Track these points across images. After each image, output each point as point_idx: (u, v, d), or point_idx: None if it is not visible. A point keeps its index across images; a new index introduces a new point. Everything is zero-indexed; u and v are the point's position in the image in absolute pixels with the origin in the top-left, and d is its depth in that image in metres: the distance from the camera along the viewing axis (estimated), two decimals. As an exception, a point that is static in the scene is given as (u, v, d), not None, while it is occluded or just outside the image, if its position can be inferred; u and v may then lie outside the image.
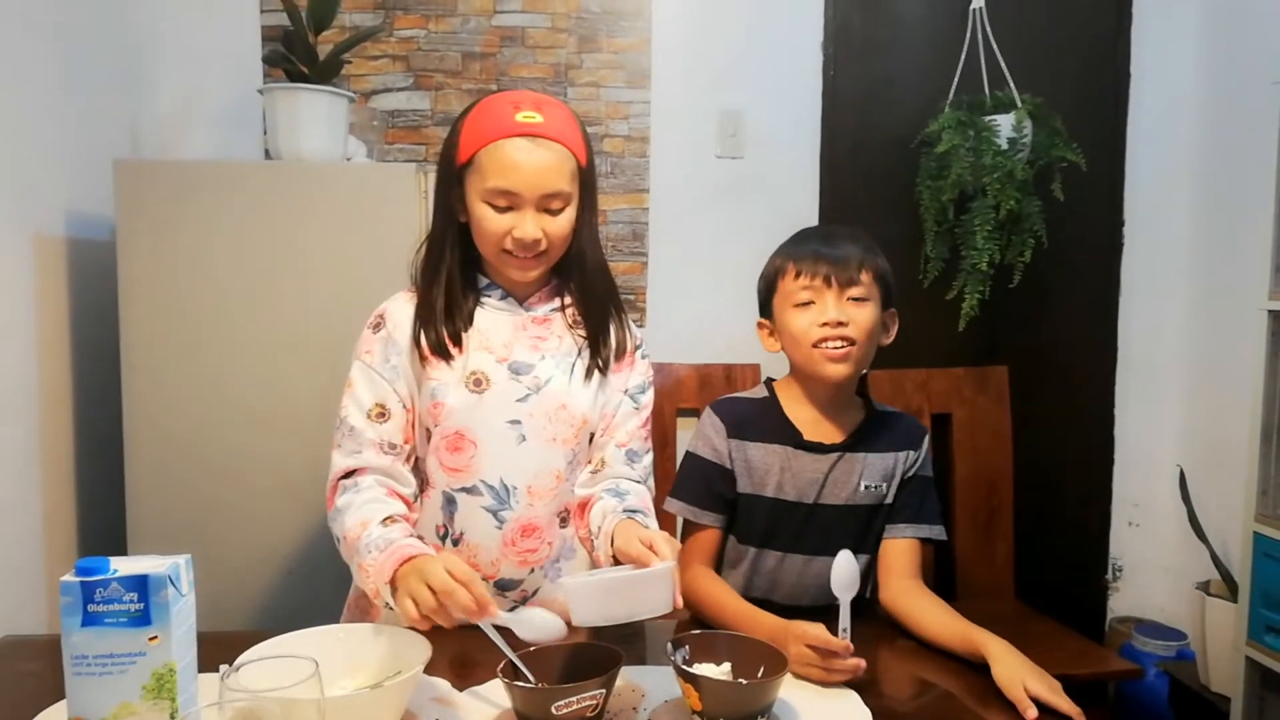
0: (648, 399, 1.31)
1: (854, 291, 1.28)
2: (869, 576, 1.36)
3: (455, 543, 1.21)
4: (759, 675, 0.97)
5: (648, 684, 1.04)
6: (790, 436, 1.34)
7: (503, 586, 1.23)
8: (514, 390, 1.20)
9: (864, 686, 1.05)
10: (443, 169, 1.21)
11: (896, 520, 1.35)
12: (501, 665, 0.94)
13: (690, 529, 1.37)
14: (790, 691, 1.01)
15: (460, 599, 0.94)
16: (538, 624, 1.00)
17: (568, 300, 1.26)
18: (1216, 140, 2.45)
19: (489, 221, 1.15)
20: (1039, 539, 2.46)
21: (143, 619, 0.80)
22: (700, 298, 2.43)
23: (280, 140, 1.81)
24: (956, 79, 2.39)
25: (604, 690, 0.91)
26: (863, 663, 1.04)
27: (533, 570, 1.23)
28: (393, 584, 1.02)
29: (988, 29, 2.35)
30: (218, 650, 0.89)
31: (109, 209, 1.77)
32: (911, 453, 1.36)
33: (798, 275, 1.30)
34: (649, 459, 1.30)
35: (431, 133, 2.36)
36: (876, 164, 2.48)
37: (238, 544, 1.74)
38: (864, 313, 1.29)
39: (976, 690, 1.07)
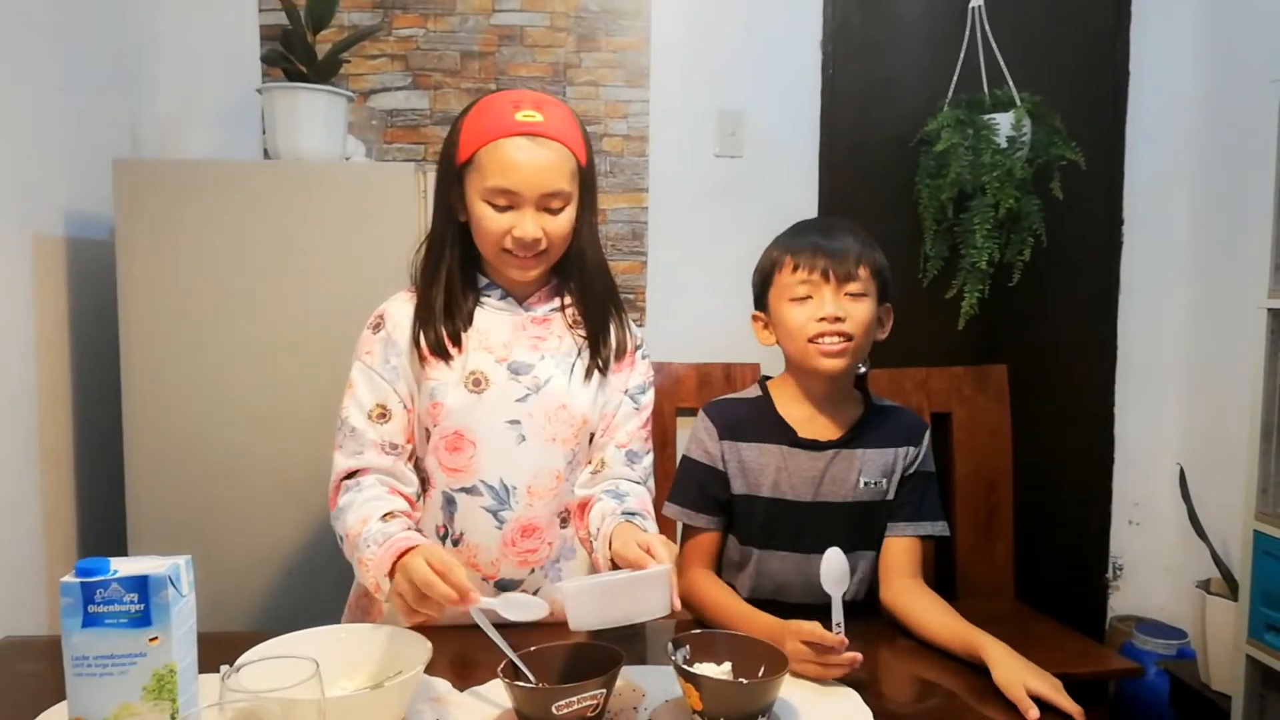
0: (648, 399, 1.31)
1: (851, 287, 1.27)
2: (872, 574, 1.36)
3: (455, 543, 1.21)
4: (759, 675, 0.97)
5: (648, 684, 1.04)
6: (785, 435, 1.33)
7: (503, 587, 1.23)
8: (513, 390, 1.20)
9: (865, 686, 1.05)
10: (442, 168, 1.21)
11: (896, 518, 1.34)
12: (502, 665, 0.94)
13: (688, 532, 1.37)
14: (791, 691, 1.01)
15: (439, 590, 0.94)
16: (522, 604, 1.02)
17: (567, 300, 1.26)
18: (1216, 138, 2.45)
19: (489, 221, 1.15)
20: (1039, 538, 2.45)
21: (143, 620, 0.80)
22: (699, 297, 2.43)
23: (279, 140, 1.81)
24: (955, 78, 2.38)
25: (604, 690, 0.91)
26: (859, 656, 1.04)
27: (533, 570, 1.23)
28: (392, 576, 1.02)
29: (986, 27, 2.35)
30: (218, 651, 0.89)
31: (108, 208, 1.77)
32: (912, 449, 1.35)
33: (795, 269, 1.29)
34: (649, 460, 1.30)
35: (430, 132, 2.36)
36: (876, 163, 2.48)
37: (238, 544, 1.74)
38: (861, 308, 1.28)
39: (977, 690, 1.07)
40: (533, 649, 0.98)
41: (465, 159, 1.15)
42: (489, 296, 1.23)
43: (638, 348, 1.31)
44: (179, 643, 0.82)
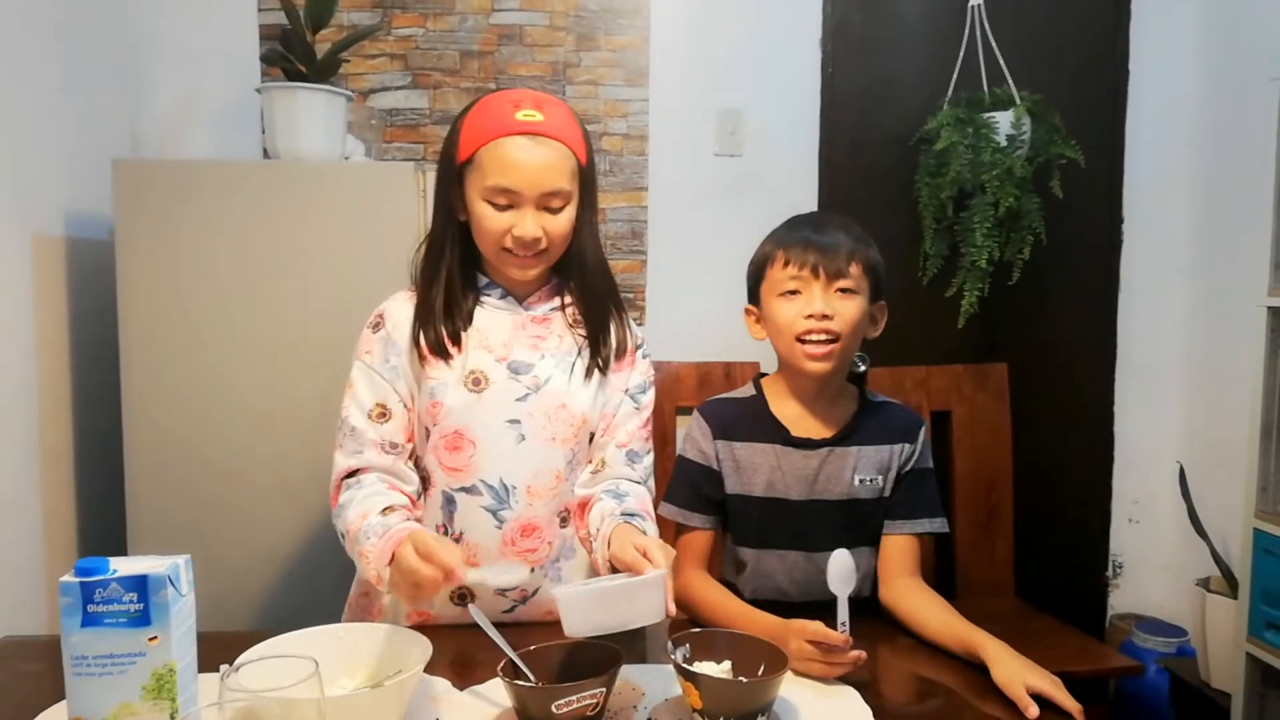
0: (648, 399, 1.31)
1: (842, 283, 1.26)
2: (872, 572, 1.35)
3: (455, 542, 1.21)
4: (759, 673, 0.96)
5: (648, 682, 1.04)
6: (778, 434, 1.33)
7: (502, 587, 1.23)
8: (513, 390, 1.20)
9: (864, 684, 1.05)
10: (442, 167, 1.21)
11: (893, 517, 1.33)
12: (501, 664, 0.94)
13: (682, 532, 1.36)
14: (791, 690, 1.00)
15: (423, 574, 0.95)
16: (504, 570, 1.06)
17: (568, 299, 1.26)
18: (1216, 137, 2.45)
19: (489, 220, 1.15)
20: (1039, 536, 2.45)
21: (142, 619, 0.80)
22: (699, 296, 2.43)
23: (278, 139, 1.81)
24: (955, 76, 2.38)
25: (604, 689, 0.91)
26: (863, 654, 1.04)
27: (532, 570, 1.23)
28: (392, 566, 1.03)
29: (986, 26, 2.35)
30: (218, 650, 0.89)
31: (108, 208, 1.77)
32: (907, 445, 1.34)
33: (786, 264, 1.28)
34: (650, 459, 1.30)
35: (430, 131, 2.36)
36: (875, 161, 2.48)
37: (238, 544, 1.74)
38: (850, 306, 1.27)
39: (977, 688, 1.07)
40: (532, 648, 0.98)
41: (465, 158, 1.15)
42: (489, 296, 1.23)
43: (638, 347, 1.31)
44: (178, 642, 0.82)
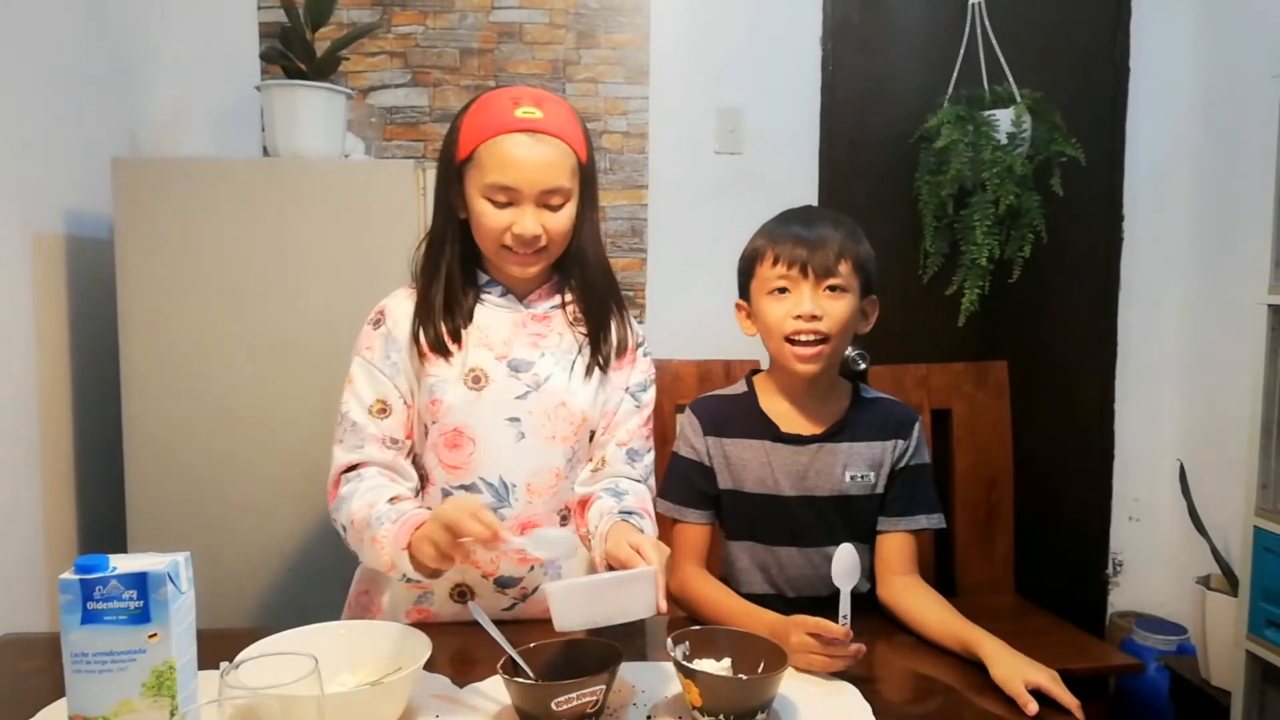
0: (649, 397, 1.31)
1: (831, 281, 1.25)
2: (869, 568, 1.35)
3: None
4: (759, 671, 0.97)
5: (648, 680, 1.04)
6: (768, 430, 1.33)
7: (502, 584, 1.23)
8: (513, 388, 1.20)
9: (864, 681, 1.05)
10: (442, 165, 1.21)
11: (889, 514, 1.33)
12: (501, 661, 0.94)
13: (679, 529, 1.36)
14: (790, 687, 1.00)
15: (469, 527, 0.96)
16: (550, 540, 1.08)
17: (568, 297, 1.26)
18: (1216, 134, 2.45)
19: (489, 217, 1.15)
20: (1039, 534, 2.46)
21: (142, 616, 0.80)
22: (699, 294, 2.42)
23: (278, 137, 1.81)
24: (955, 74, 2.38)
25: (604, 686, 0.91)
26: (863, 647, 1.05)
27: (532, 568, 1.23)
28: (408, 551, 1.03)
29: (986, 24, 2.35)
30: (218, 647, 0.89)
31: (107, 207, 1.77)
32: (900, 441, 1.33)
33: (775, 261, 1.27)
34: (650, 458, 1.30)
35: (429, 129, 2.36)
36: (875, 160, 2.48)
37: (238, 541, 1.74)
38: (840, 305, 1.26)
39: (976, 685, 1.07)
40: (532, 645, 0.98)
41: (465, 156, 1.15)
42: (489, 293, 1.23)
43: (639, 345, 1.31)
44: (178, 639, 0.82)
